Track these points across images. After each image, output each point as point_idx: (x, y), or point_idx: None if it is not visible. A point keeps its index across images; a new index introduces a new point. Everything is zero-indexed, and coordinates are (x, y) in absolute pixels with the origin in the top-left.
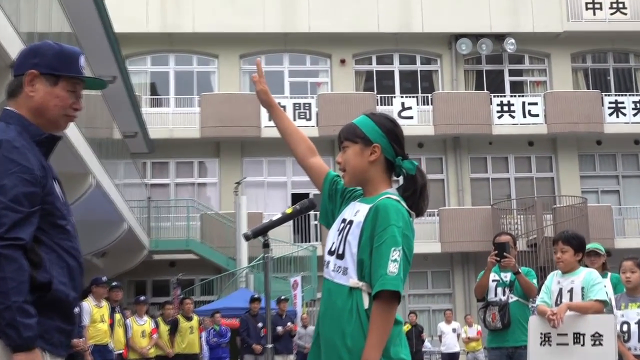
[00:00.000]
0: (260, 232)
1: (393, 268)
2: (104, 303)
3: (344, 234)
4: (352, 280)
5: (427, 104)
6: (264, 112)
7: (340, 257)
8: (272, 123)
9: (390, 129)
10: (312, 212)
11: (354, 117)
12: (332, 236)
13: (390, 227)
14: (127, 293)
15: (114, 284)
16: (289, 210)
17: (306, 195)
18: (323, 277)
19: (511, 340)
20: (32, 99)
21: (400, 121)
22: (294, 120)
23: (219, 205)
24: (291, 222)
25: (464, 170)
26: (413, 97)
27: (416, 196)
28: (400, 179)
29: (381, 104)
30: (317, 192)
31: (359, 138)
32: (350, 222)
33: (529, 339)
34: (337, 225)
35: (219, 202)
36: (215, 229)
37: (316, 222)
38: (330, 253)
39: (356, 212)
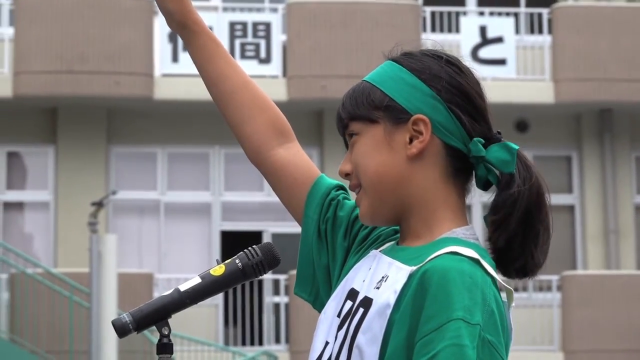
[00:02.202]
0: (152, 318)
1: None
2: None
3: (351, 330)
4: None
5: (539, 32)
6: (161, 41)
7: None
8: (180, 67)
9: (449, 78)
10: (269, 276)
11: (374, 59)
12: (325, 330)
13: (451, 323)
14: None
15: None
16: (217, 271)
17: (256, 236)
18: None
19: None
20: None
21: (477, 69)
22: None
23: (53, 256)
24: (221, 297)
25: (622, 184)
26: (508, 15)
27: (510, 225)
28: (482, 200)
29: (433, 29)
30: (279, 228)
31: (379, 110)
32: (367, 303)
33: None
34: (336, 303)
35: (52, 248)
36: (44, 310)
37: (279, 299)
38: None
39: (382, 278)
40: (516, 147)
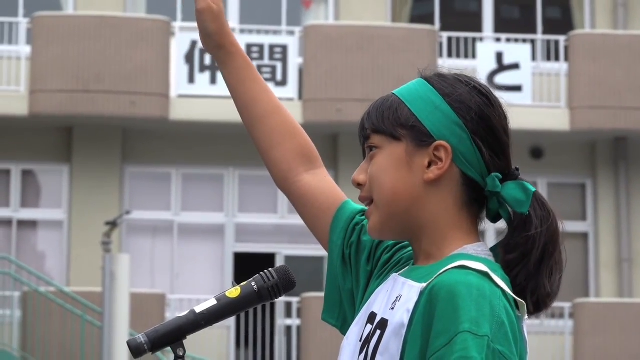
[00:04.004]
0: (168, 339)
1: None
2: None
3: (370, 352)
4: None
5: (555, 59)
6: (177, 62)
7: None
8: (196, 88)
9: (478, 110)
10: (281, 299)
11: (390, 83)
12: (349, 356)
13: (458, 336)
14: None
15: None
16: (233, 293)
17: (269, 258)
18: None
19: None
20: None
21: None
22: None
23: (66, 275)
24: (232, 319)
25: (636, 212)
26: (524, 41)
27: (530, 263)
28: (496, 225)
29: (450, 55)
30: (293, 251)
31: (404, 129)
32: (383, 324)
33: None
34: (359, 327)
35: (65, 267)
36: (56, 328)
37: (291, 322)
38: None
39: (396, 298)
40: (533, 189)
